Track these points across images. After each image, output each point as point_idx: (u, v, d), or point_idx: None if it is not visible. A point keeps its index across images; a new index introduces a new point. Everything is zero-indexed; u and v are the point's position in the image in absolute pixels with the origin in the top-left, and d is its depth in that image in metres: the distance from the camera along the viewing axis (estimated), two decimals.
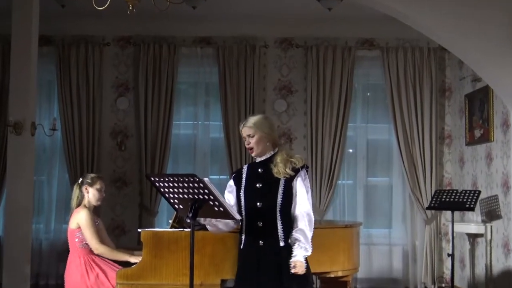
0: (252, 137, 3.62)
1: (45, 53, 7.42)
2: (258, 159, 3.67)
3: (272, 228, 3.54)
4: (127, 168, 7.61)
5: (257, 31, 7.63)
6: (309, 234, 3.54)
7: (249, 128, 3.63)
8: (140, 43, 7.56)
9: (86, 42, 7.53)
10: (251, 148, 3.63)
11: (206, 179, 3.21)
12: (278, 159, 3.59)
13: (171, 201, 3.45)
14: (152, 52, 7.50)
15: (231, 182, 3.74)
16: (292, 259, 3.48)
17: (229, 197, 3.71)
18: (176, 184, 3.30)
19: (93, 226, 4.45)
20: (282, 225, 3.53)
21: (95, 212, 4.74)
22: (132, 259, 4.43)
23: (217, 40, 7.65)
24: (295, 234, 3.52)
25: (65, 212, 7.46)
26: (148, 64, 7.49)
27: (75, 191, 4.63)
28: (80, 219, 4.45)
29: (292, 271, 3.46)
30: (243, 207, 3.60)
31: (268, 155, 3.65)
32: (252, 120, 3.65)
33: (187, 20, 7.42)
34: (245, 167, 3.75)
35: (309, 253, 3.51)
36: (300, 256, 3.48)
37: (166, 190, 3.38)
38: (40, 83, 7.18)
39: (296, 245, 3.49)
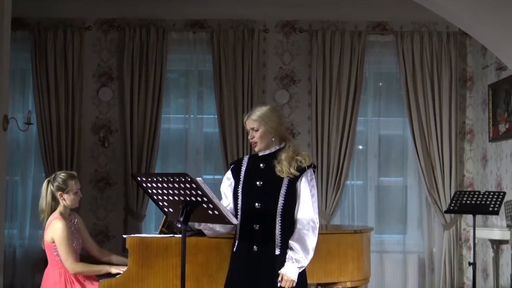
0: (256, 130, 3.61)
1: (19, 38, 7.41)
2: (261, 153, 3.66)
3: (270, 233, 3.54)
4: (111, 167, 7.60)
5: (256, 14, 7.62)
6: (310, 243, 3.52)
7: (253, 121, 3.62)
8: (125, 27, 7.55)
9: (65, 26, 7.52)
10: (254, 143, 3.63)
11: (199, 179, 3.22)
12: (283, 155, 3.58)
13: (160, 203, 3.45)
14: (138, 37, 7.49)
15: (229, 174, 3.73)
16: (281, 270, 3.47)
17: (226, 191, 3.70)
18: (165, 185, 3.30)
19: (69, 241, 4.31)
20: (281, 230, 3.53)
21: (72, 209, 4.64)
22: (113, 270, 4.40)
23: (211, 24, 7.64)
24: (292, 242, 3.51)
25: None
26: (134, 50, 7.48)
27: (47, 193, 4.45)
28: (54, 233, 4.33)
29: (278, 284, 3.45)
30: (239, 206, 3.60)
31: (272, 150, 3.64)
32: (258, 112, 3.63)
33: (178, 1, 7.41)
34: (245, 159, 3.74)
35: (301, 264, 3.49)
36: (289, 268, 3.46)
37: (154, 191, 3.38)
38: (13, 72, 7.19)
39: (288, 255, 3.48)
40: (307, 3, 7.47)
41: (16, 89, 7.54)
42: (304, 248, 3.49)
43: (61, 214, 4.43)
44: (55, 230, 4.34)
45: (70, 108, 7.44)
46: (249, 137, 3.66)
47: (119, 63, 7.60)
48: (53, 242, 4.36)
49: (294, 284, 3.46)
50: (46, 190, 4.47)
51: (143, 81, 7.46)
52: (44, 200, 4.48)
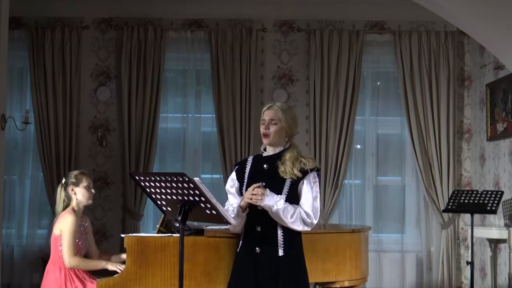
0: (275, 124, 3.60)
1: (16, 38, 7.42)
2: (265, 153, 3.66)
3: (272, 234, 3.53)
4: (109, 166, 7.60)
5: (254, 13, 7.62)
6: (294, 221, 3.47)
7: (275, 113, 3.63)
8: (123, 26, 7.55)
9: (63, 25, 7.52)
10: (267, 135, 3.61)
11: (196, 179, 3.22)
12: (287, 156, 3.57)
13: (158, 203, 3.45)
14: (136, 36, 7.49)
15: (234, 175, 3.73)
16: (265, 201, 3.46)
17: (232, 192, 3.69)
18: (163, 184, 3.30)
19: (74, 235, 4.38)
20: (283, 231, 3.52)
21: (84, 211, 4.70)
22: (110, 267, 4.42)
23: (209, 23, 7.64)
24: (289, 205, 3.50)
25: (39, 216, 7.49)
26: (132, 49, 7.48)
27: (60, 194, 4.58)
28: (64, 224, 4.40)
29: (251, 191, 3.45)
30: None
31: (277, 150, 3.64)
32: (282, 106, 3.67)
33: (176, 0, 7.41)
34: (249, 159, 3.74)
35: (275, 207, 3.45)
36: (270, 200, 3.45)
37: (153, 190, 3.39)
38: (10, 71, 7.19)
39: (278, 198, 3.47)
40: (305, 2, 7.48)
41: (13, 88, 7.53)
42: (289, 215, 3.47)
43: (73, 210, 4.53)
44: (65, 222, 4.43)
45: (68, 108, 7.44)
46: (263, 128, 3.63)
47: (117, 62, 7.60)
48: (61, 235, 4.41)
49: (262, 198, 3.45)
50: (60, 193, 4.60)
51: (141, 80, 7.46)
52: (58, 200, 4.60)
